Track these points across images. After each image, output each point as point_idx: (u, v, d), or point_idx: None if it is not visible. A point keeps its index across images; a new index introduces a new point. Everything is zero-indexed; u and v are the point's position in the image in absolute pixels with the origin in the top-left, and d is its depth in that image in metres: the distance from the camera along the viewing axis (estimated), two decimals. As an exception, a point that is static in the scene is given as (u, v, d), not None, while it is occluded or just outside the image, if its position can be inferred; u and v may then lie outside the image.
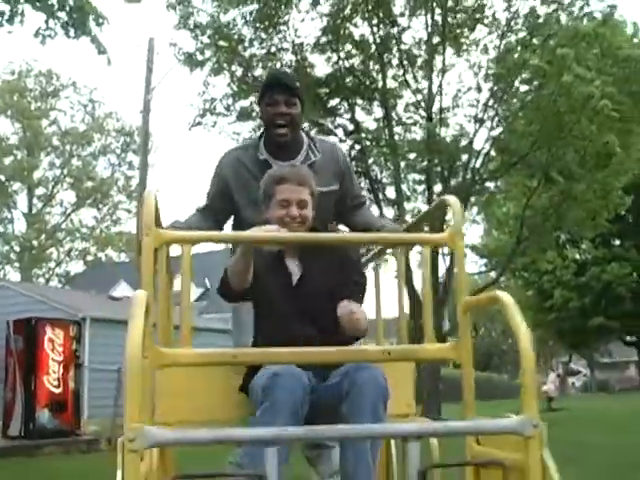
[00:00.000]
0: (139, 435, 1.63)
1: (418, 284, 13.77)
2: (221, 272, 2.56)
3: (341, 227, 3.70)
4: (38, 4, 5.33)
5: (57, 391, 11.25)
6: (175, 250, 2.49)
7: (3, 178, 38.05)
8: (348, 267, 2.71)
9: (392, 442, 2.61)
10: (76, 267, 41.61)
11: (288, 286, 2.62)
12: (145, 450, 1.72)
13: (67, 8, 5.32)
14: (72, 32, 5.39)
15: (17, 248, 39.05)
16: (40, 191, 40.20)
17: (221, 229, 3.34)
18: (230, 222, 3.41)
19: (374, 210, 14.66)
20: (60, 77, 39.93)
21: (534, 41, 14.20)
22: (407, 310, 8.40)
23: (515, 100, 14.38)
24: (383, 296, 3.00)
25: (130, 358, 1.67)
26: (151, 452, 1.89)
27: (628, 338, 37.26)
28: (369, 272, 3.20)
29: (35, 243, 38.96)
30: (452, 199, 2.32)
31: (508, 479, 1.84)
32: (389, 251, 3.65)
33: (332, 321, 2.44)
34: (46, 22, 5.45)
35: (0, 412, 11.54)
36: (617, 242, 32.11)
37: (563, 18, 14.45)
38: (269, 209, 2.68)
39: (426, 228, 11.50)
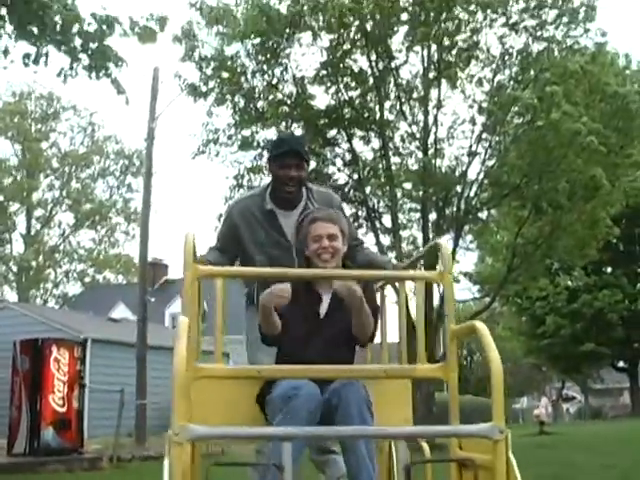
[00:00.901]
0: (183, 430, 2.02)
1: (413, 311, 14.02)
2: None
3: None
4: (63, 47, 5.80)
5: (62, 410, 11.28)
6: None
7: (2, 199, 38.28)
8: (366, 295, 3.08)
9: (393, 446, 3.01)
10: (74, 289, 41.74)
11: (316, 315, 3.04)
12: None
13: (89, 52, 5.81)
14: (93, 74, 5.86)
15: (15, 269, 39.18)
16: (39, 212, 40.38)
17: (232, 265, 3.77)
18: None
19: (371, 237, 15.10)
20: (61, 99, 40.33)
21: (527, 75, 14.61)
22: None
23: (507, 133, 14.76)
24: (387, 322, 3.42)
25: (177, 372, 2.07)
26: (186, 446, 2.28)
27: (621, 364, 37.52)
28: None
29: (33, 264, 39.05)
30: (442, 243, 2.77)
31: (481, 476, 2.24)
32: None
33: (349, 352, 2.85)
34: (70, 65, 5.89)
35: (5, 430, 11.78)
36: (608, 270, 32.41)
37: (556, 52, 14.85)
38: (308, 248, 3.14)
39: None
